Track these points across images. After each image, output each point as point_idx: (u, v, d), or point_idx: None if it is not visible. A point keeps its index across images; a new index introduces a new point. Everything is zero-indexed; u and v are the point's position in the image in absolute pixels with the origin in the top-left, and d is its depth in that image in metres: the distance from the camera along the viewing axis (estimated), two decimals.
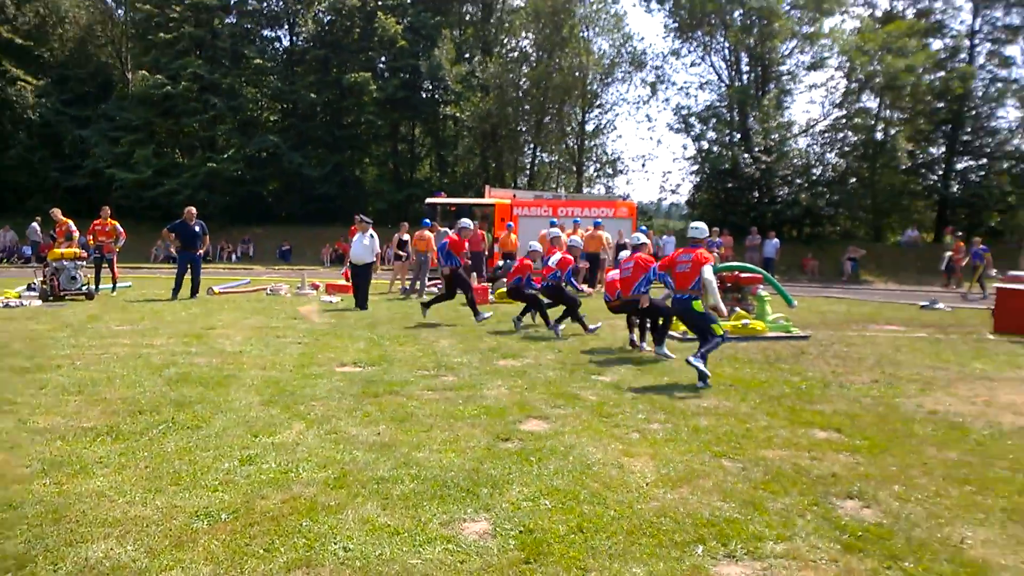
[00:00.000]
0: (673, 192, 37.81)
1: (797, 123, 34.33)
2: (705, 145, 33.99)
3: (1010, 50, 31.89)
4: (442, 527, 3.57)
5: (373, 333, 9.75)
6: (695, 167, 34.57)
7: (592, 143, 37.83)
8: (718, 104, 34.30)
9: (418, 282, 15.83)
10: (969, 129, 31.10)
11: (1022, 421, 5.66)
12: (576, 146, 37.40)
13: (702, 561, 3.27)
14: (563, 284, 10.36)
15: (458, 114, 34.91)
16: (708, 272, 7.15)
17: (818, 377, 7.32)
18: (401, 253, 17.02)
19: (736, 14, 32.68)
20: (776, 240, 23.96)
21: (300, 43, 37.71)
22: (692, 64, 36.59)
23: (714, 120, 33.96)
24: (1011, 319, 10.74)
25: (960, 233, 25.20)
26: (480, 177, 35.67)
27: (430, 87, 36.95)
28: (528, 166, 38.43)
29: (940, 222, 31.70)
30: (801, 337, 10.02)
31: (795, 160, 31.11)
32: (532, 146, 38.00)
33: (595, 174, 38.23)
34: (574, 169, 37.57)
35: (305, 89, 34.74)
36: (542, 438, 5.01)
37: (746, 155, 30.42)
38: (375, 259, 13.27)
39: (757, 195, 31.22)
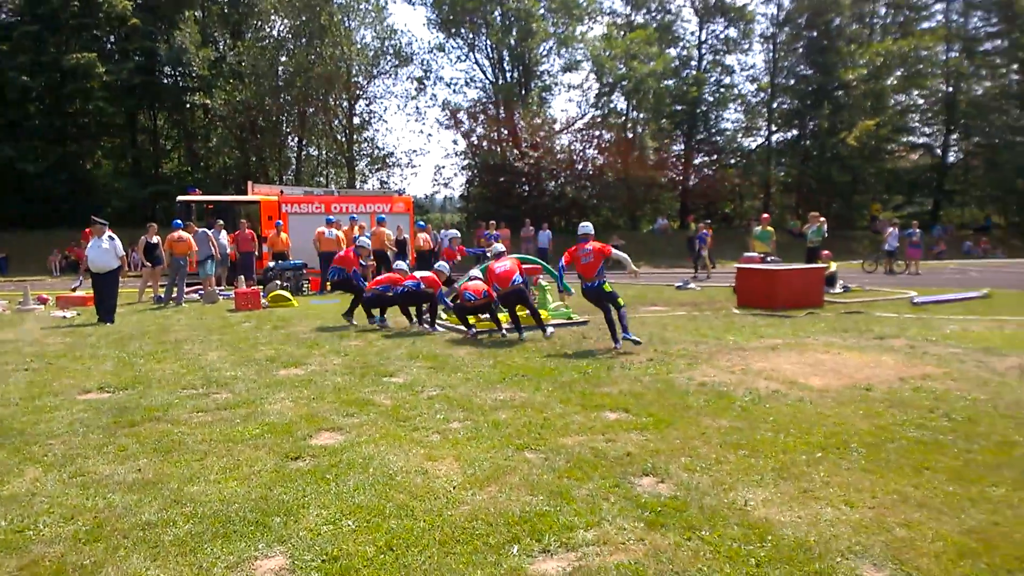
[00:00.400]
0: (446, 186, 38.31)
1: (559, 121, 36.56)
2: (475, 140, 34.87)
3: (730, 60, 36.72)
4: (229, 571, 3.13)
5: (123, 351, 8.57)
6: (466, 162, 35.37)
7: (361, 137, 37.04)
8: (486, 100, 35.34)
9: (175, 289, 14.31)
10: (702, 129, 35.25)
11: (774, 385, 6.37)
12: (345, 140, 36.35)
13: (519, 561, 3.18)
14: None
15: (209, 103, 32.05)
16: (616, 252, 8.94)
17: (601, 359, 7.69)
18: (150, 258, 15.21)
19: (496, 14, 33.83)
20: (548, 231, 25.20)
21: (4, 16, 32.13)
22: (458, 60, 37.43)
23: (483, 116, 34.93)
24: (750, 295, 12.24)
25: (709, 220, 28.46)
26: (241, 172, 33.22)
27: (173, 73, 33.57)
28: (294, 161, 36.62)
29: (683, 211, 35.56)
30: (581, 323, 10.53)
31: (560, 155, 33.07)
32: (297, 139, 36.25)
33: (367, 169, 37.51)
34: (344, 164, 36.51)
35: (14, 71, 29.45)
36: (337, 452, 4.66)
37: (515, 150, 31.69)
38: (120, 264, 11.66)
39: (527, 188, 32.70)
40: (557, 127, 35.24)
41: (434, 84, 44.43)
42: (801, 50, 36.80)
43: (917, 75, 37.64)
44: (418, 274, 10.58)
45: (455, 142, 38.65)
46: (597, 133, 35.08)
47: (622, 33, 34.13)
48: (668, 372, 7.01)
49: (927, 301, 12.75)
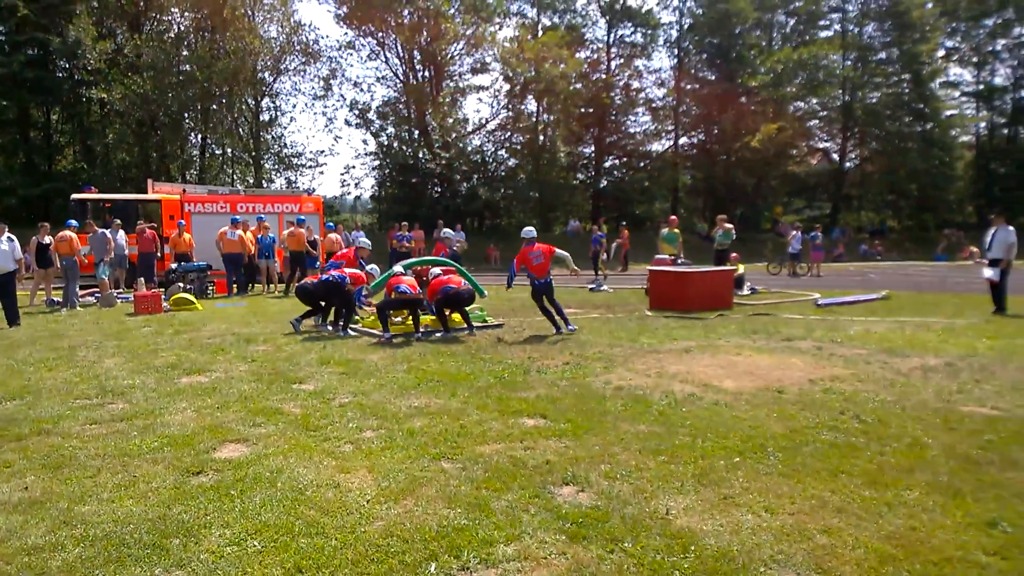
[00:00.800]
0: (356, 186, 37.37)
1: (471, 122, 36.42)
2: (385, 140, 34.27)
3: (638, 64, 37.56)
4: None
5: (11, 358, 7.89)
6: (377, 162, 34.71)
7: (268, 135, 35.73)
8: (396, 100, 34.78)
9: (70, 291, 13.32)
10: (612, 132, 35.92)
11: (690, 389, 6.40)
12: (251, 138, 34.98)
13: None
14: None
15: (106, 97, 30.19)
16: (560, 252, 9.92)
17: (517, 363, 7.56)
18: (42, 259, 14.11)
19: (405, 12, 33.32)
20: (462, 232, 24.95)
21: None
22: (368, 58, 36.45)
23: (393, 116, 34.36)
24: (662, 297, 12.43)
25: (624, 222, 28.91)
26: (141, 170, 31.44)
27: (68, 66, 31.43)
28: (197, 158, 34.96)
29: (595, 213, 36.11)
30: (496, 325, 10.39)
31: (472, 157, 32.94)
32: (200, 136, 34.63)
33: (274, 168, 36.21)
34: (250, 162, 35.15)
35: None
36: (243, 465, 4.33)
37: (426, 151, 31.35)
38: (17, 266, 10.88)
39: (440, 190, 32.41)
40: (469, 128, 35.15)
41: (341, 83, 43.21)
42: (706, 56, 38.06)
43: (816, 83, 39.59)
44: (347, 271, 10.23)
45: (365, 142, 37.78)
46: (508, 135, 35.18)
47: (531, 36, 34.34)
48: (584, 376, 6.95)
49: (830, 303, 13.30)
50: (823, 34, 40.84)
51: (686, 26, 38.14)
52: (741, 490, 4.00)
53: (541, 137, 34.57)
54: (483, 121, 36.31)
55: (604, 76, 34.79)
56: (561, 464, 4.38)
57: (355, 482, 4.07)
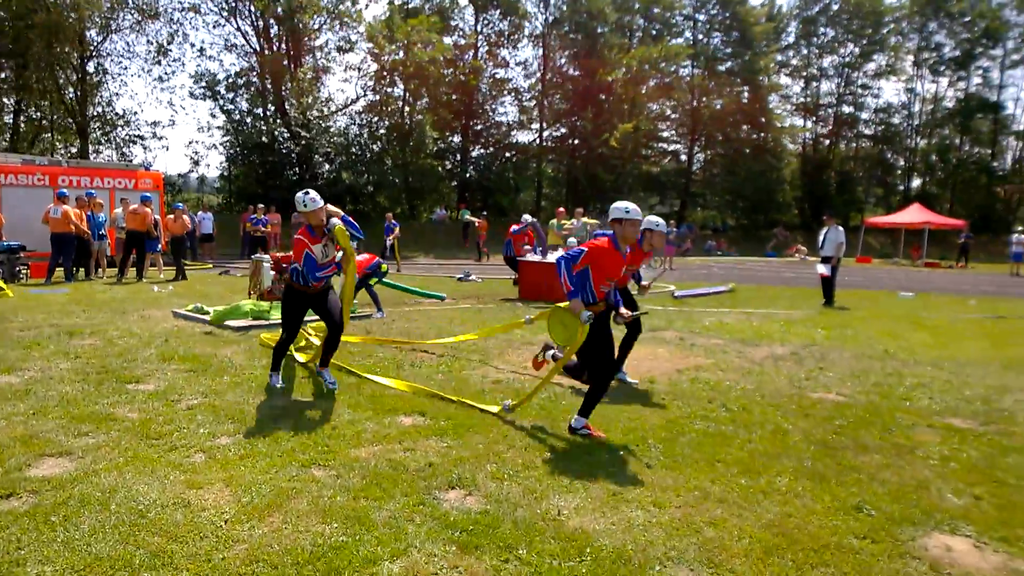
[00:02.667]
0: (197, 164, 34.43)
1: (335, 101, 34.87)
2: (237, 116, 32.09)
3: (504, 53, 37.69)
4: None
5: None
6: (226, 138, 32.41)
7: (97, 102, 32.19)
8: (248, 72, 32.64)
9: None
10: (479, 121, 35.81)
11: (568, 381, 6.32)
12: (76, 104, 31.39)
13: None
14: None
15: None
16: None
17: (389, 358, 7.19)
18: None
19: None
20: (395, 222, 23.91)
21: None
22: (216, 25, 33.53)
23: (245, 90, 32.24)
24: (532, 288, 12.43)
25: (485, 212, 28.81)
26: None
27: None
28: (10, 125, 31.01)
29: (460, 202, 35.92)
30: (363, 316, 9.90)
31: (336, 138, 31.57)
32: (14, 100, 30.67)
33: (103, 138, 32.69)
34: (75, 131, 31.59)
35: None
36: (66, 484, 3.70)
37: (284, 130, 29.68)
38: None
39: (298, 171, 30.84)
40: (333, 108, 33.68)
41: (184, 49, 39.60)
42: (569, 52, 38.92)
43: (667, 86, 41.69)
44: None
45: (213, 115, 35.05)
46: (376, 118, 34.12)
47: (401, 17, 33.47)
48: (461, 370, 6.72)
49: (685, 295, 13.91)
50: (676, 41, 43.01)
51: (551, 19, 38.74)
52: (629, 485, 3.93)
53: (409, 122, 33.71)
54: (348, 101, 34.87)
55: (471, 63, 34.55)
56: (445, 466, 4.12)
57: (210, 499, 3.58)
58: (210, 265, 19.38)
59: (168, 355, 6.94)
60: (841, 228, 13.02)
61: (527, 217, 14.41)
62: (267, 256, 10.49)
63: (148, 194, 16.11)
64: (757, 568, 3.07)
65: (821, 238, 13.09)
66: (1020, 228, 31.35)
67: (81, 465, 3.98)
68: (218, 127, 33.21)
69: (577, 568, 3.02)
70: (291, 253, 10.65)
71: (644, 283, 6.53)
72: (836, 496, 3.87)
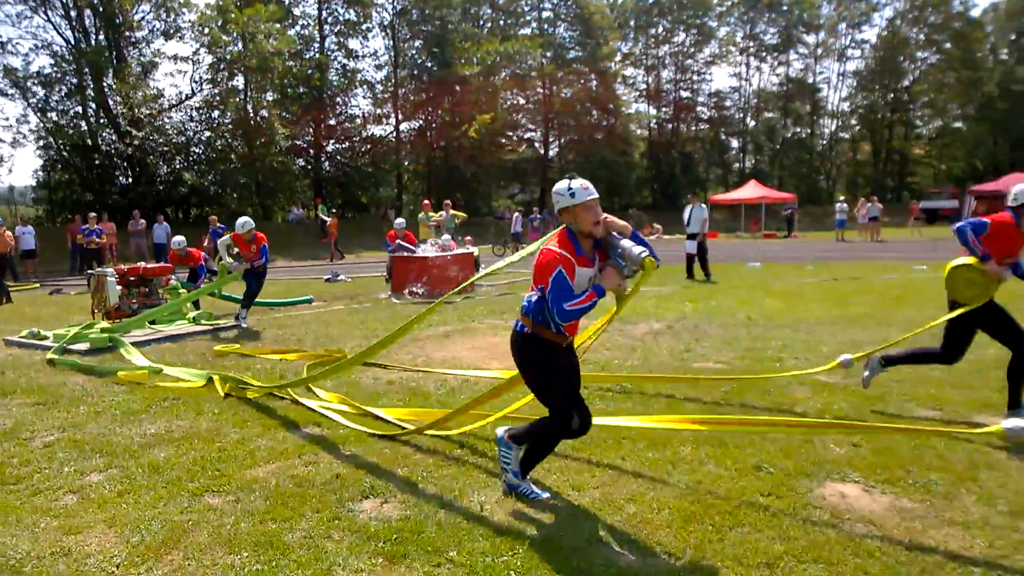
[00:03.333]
0: (10, 173, 30.95)
1: (168, 97, 32.29)
2: (53, 116, 29.04)
3: (353, 43, 36.60)
4: None
5: None
6: (42, 142, 29.27)
7: None
8: (64, 68, 29.58)
9: None
10: (332, 115, 34.57)
11: (461, 375, 6.24)
12: None
13: None
14: None
15: None
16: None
17: (268, 368, 6.77)
18: None
19: None
20: (166, 224, 22.18)
21: None
22: (21, 17, 29.91)
23: (61, 87, 29.24)
24: (403, 282, 12.19)
25: (335, 210, 27.89)
26: None
27: None
28: None
29: (318, 197, 34.64)
30: (232, 327, 9.28)
31: (173, 137, 29.33)
32: None
33: None
34: None
35: None
36: None
37: (110, 129, 27.19)
38: None
39: (131, 175, 28.40)
40: (166, 104, 31.18)
41: None
42: (420, 43, 38.50)
43: (520, 77, 42.33)
44: None
45: (26, 118, 31.24)
46: (216, 113, 32.01)
47: (237, 6, 31.48)
48: (350, 374, 6.44)
49: None
50: (524, 31, 43.72)
51: (399, 8, 37.99)
52: (544, 472, 3.91)
53: (255, 117, 31.83)
54: (183, 96, 32.36)
55: (318, 55, 33.19)
56: (353, 476, 3.91)
57: (93, 544, 3.18)
58: (36, 284, 17.45)
59: (8, 388, 6.14)
60: (704, 206, 13.76)
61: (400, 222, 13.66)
62: (111, 270, 9.59)
63: None
64: (681, 536, 3.15)
65: (686, 216, 13.69)
66: (842, 198, 34.71)
67: None
68: (30, 130, 29.87)
69: (511, 562, 2.96)
70: (139, 265, 9.89)
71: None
72: (737, 459, 4.05)
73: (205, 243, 16.21)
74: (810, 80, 52.61)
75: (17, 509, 3.58)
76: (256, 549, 3.09)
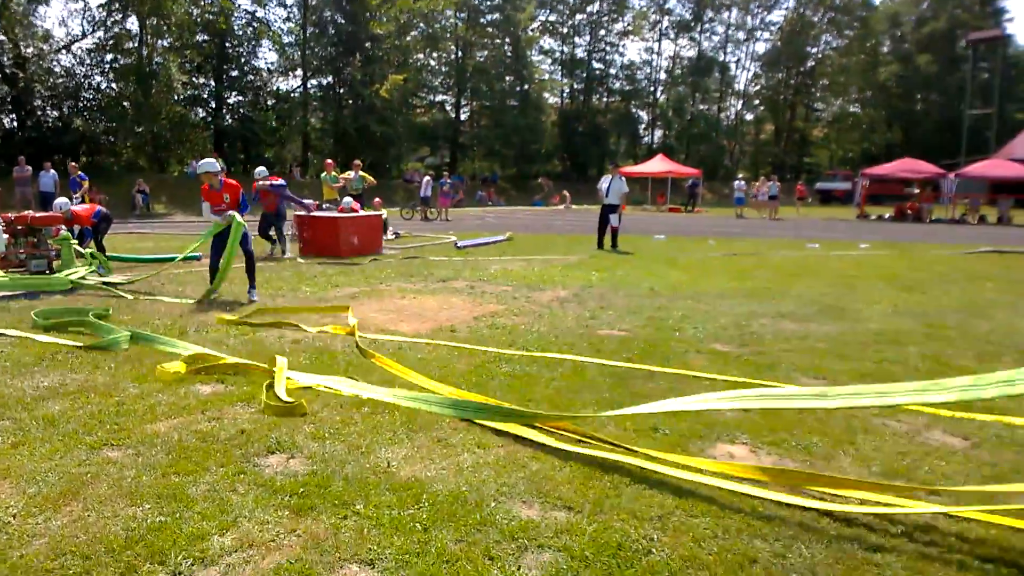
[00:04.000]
0: None
1: (56, 37, 29.91)
2: None
3: None
4: None
5: None
6: None
7: None
8: None
9: None
10: (234, 66, 32.93)
11: (370, 335, 6.26)
12: None
13: None
14: None
15: None
16: None
17: (168, 323, 6.56)
18: None
19: None
20: (53, 172, 20.67)
21: None
22: None
23: None
24: (314, 244, 11.97)
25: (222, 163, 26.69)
26: None
27: None
28: None
29: (217, 151, 33.10)
30: (127, 281, 8.88)
31: (62, 80, 27.22)
32: None
33: None
34: None
35: None
36: None
37: None
38: None
39: (16, 119, 26.28)
40: (55, 45, 28.91)
41: None
42: None
43: (433, 37, 41.59)
44: None
45: None
46: (109, 57, 29.91)
47: None
48: (254, 331, 6.34)
49: (467, 244, 14.28)
50: None
51: None
52: (450, 431, 4.04)
53: (150, 64, 29.83)
54: (73, 38, 29.94)
55: (222, 2, 31.42)
56: (259, 432, 3.91)
57: None
58: None
59: None
60: (624, 178, 14.08)
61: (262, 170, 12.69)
62: None
63: None
64: (581, 491, 3.34)
65: (605, 187, 13.95)
66: (740, 176, 36.25)
67: None
68: None
69: (417, 515, 3.07)
70: (27, 214, 9.31)
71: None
72: (635, 421, 4.29)
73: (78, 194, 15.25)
74: (721, 59, 54.34)
75: None
76: (159, 501, 3.07)
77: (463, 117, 46.70)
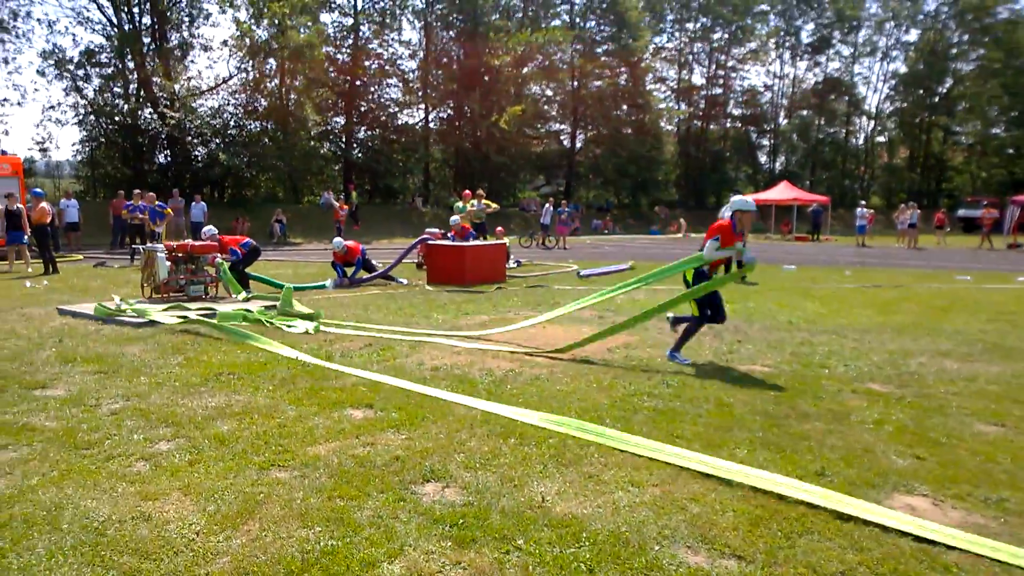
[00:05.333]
0: (44, 148, 31.07)
1: (207, 79, 32.65)
2: (91, 95, 29.46)
3: (387, 32, 36.63)
4: None
5: None
6: (77, 119, 29.69)
7: None
8: (106, 48, 30.01)
9: None
10: (364, 102, 34.69)
11: (505, 364, 6.29)
12: None
13: None
14: None
15: None
16: None
17: (314, 348, 6.87)
18: None
19: None
20: (203, 203, 22.48)
21: None
22: None
23: (105, 68, 29.66)
24: (440, 271, 12.27)
25: (344, 195, 27.94)
26: None
27: None
28: None
29: (347, 184, 34.84)
30: (274, 306, 9.41)
31: (210, 119, 29.62)
32: None
33: None
34: None
35: None
36: (0, 504, 3.28)
37: (150, 109, 27.59)
38: None
39: (170, 154, 28.78)
40: (204, 87, 31.54)
41: (29, 27, 35.52)
42: (453, 33, 38.49)
43: (550, 68, 42.18)
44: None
45: (66, 92, 31.45)
46: (251, 97, 32.28)
47: None
48: (394, 358, 6.52)
49: (590, 274, 14.19)
50: (554, 23, 43.47)
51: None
52: (601, 467, 3.95)
53: (289, 101, 31.87)
54: (220, 80, 32.60)
55: (353, 43, 33.36)
56: (412, 458, 3.98)
57: (171, 510, 3.28)
58: (79, 256, 17.80)
59: (68, 357, 6.31)
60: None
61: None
62: (161, 246, 9.78)
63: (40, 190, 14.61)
64: (749, 540, 3.16)
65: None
66: (863, 203, 34.22)
67: (11, 482, 3.55)
68: (70, 106, 30.25)
69: (579, 554, 3.00)
70: (187, 242, 10.05)
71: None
72: (798, 464, 4.04)
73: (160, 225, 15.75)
74: (848, 80, 51.92)
75: (94, 473, 3.68)
76: (328, 525, 3.16)
77: (578, 146, 46.91)
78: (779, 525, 3.29)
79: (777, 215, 36.63)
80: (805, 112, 52.34)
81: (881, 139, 53.76)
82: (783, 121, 53.02)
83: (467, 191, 18.76)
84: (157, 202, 15.55)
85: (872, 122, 53.53)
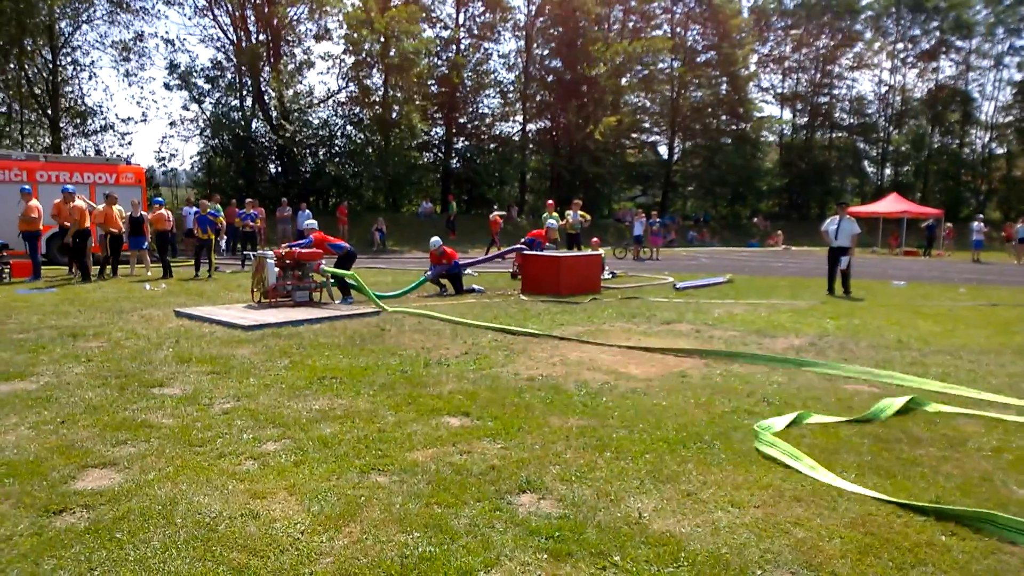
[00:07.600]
0: (171, 158, 33.36)
1: (316, 93, 34.21)
2: (210, 107, 31.43)
3: (488, 45, 37.46)
4: None
5: None
6: (199, 131, 31.72)
7: (67, 94, 31.19)
8: (226, 64, 32.02)
9: None
10: (463, 113, 35.45)
11: (600, 377, 6.24)
12: (47, 96, 30.38)
13: None
14: None
15: None
16: None
17: (413, 355, 7.03)
18: None
19: None
20: (308, 212, 23.51)
21: None
22: (192, 16, 32.73)
23: (222, 82, 31.62)
24: (535, 281, 12.32)
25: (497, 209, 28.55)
26: None
27: None
28: None
29: (445, 194, 35.59)
30: (373, 313, 9.71)
31: (318, 130, 31.00)
32: None
33: (74, 132, 31.70)
34: (45, 123, 30.62)
35: None
36: (120, 497, 3.52)
37: (263, 122, 29.16)
38: None
39: (281, 165, 30.30)
40: (314, 100, 33.06)
41: (156, 43, 38.21)
42: (552, 44, 38.76)
43: (648, 79, 41.76)
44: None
45: (186, 107, 33.72)
46: (357, 109, 33.57)
47: (380, 9, 32.80)
48: (490, 367, 6.58)
49: (687, 286, 13.90)
50: (655, 33, 43.00)
51: (533, 11, 38.51)
52: (700, 485, 3.85)
53: (393, 112, 32.97)
54: (329, 92, 34.20)
55: (454, 56, 34.23)
56: (508, 468, 4.00)
57: (277, 509, 3.42)
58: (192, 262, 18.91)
59: (184, 357, 6.72)
60: (853, 219, 13.05)
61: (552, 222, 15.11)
62: (270, 253, 10.28)
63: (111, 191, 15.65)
64: (859, 569, 3.00)
65: (833, 228, 12.96)
66: (980, 216, 31.93)
67: (130, 476, 3.79)
68: (190, 120, 32.40)
69: (677, 574, 2.93)
70: (295, 248, 10.50)
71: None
72: (910, 492, 3.81)
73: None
74: (963, 88, 48.73)
75: (205, 470, 3.90)
76: (426, 531, 3.22)
77: (676, 156, 46.14)
78: (890, 555, 3.11)
79: (885, 228, 34.79)
80: (914, 121, 49.49)
81: (999, 150, 50.12)
82: (893, 131, 50.33)
83: (550, 201, 18.77)
84: (209, 209, 15.57)
85: (988, 132, 50.02)
